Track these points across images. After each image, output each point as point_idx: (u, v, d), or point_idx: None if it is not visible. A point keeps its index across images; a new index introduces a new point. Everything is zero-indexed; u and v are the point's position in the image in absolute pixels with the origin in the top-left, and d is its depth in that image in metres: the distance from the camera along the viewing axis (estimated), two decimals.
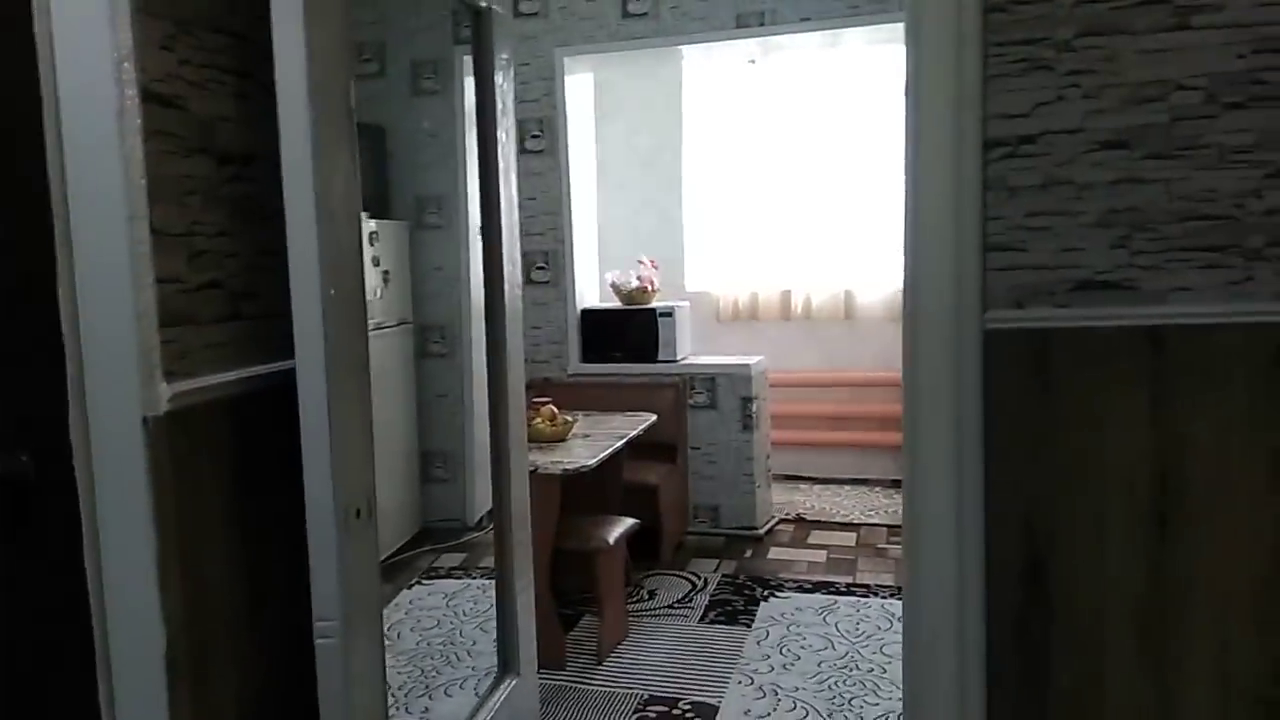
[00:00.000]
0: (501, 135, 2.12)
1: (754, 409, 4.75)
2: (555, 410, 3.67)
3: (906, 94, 1.79)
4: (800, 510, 5.22)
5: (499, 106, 2.10)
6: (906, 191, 1.80)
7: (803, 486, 5.72)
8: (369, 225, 4.46)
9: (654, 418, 4.13)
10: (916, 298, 1.80)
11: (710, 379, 4.78)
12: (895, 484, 5.65)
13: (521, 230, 4.87)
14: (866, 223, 5.76)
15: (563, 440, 3.60)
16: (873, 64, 5.58)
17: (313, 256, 1.38)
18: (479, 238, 2.42)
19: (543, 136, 4.87)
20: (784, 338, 5.97)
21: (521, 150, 4.83)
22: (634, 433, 3.82)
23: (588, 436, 3.71)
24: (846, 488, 5.69)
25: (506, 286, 2.21)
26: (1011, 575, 1.76)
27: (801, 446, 5.84)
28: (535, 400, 3.70)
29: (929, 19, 1.73)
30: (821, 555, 4.51)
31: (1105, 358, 1.69)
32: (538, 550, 2.96)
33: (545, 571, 3.24)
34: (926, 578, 1.78)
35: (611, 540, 3.45)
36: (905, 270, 1.83)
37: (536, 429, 3.51)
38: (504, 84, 2.13)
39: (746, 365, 4.78)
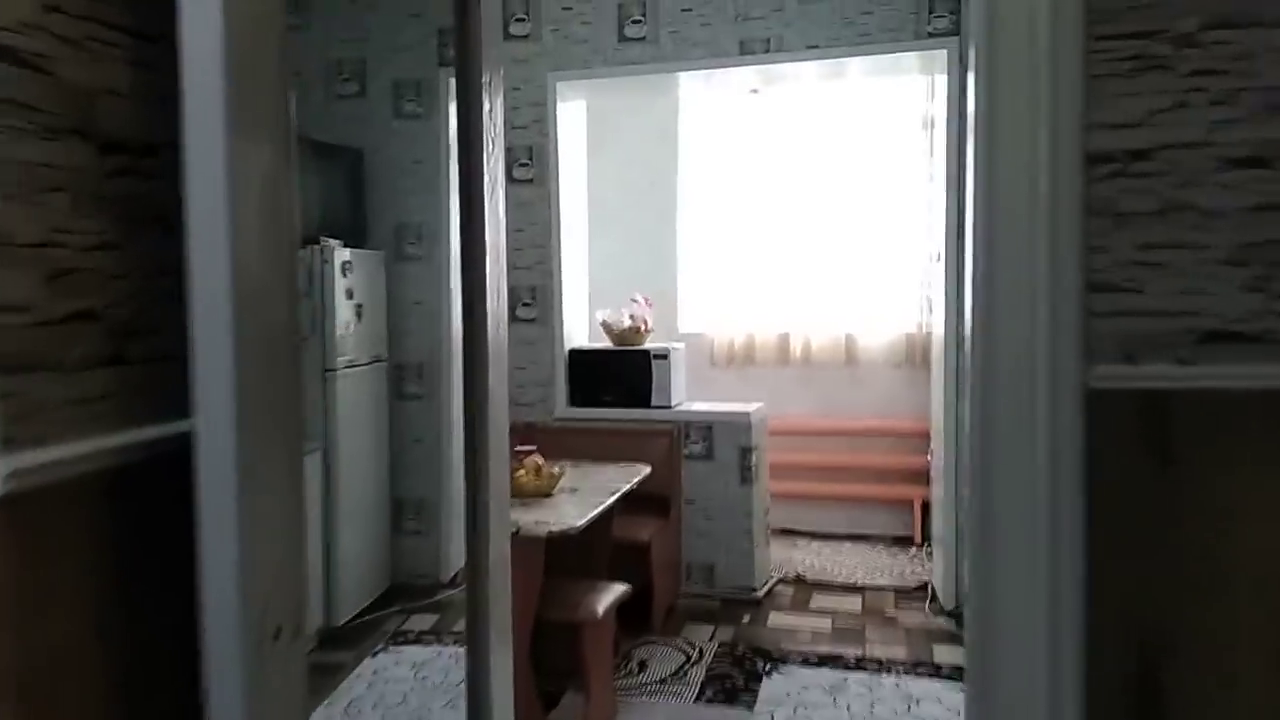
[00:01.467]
0: (489, 144, 1.78)
1: (753, 460, 4.40)
2: (540, 461, 3.31)
3: (976, 97, 1.47)
4: (799, 569, 4.86)
5: (486, 107, 1.77)
6: (976, 214, 1.47)
7: (800, 542, 5.37)
8: (343, 254, 4.13)
9: (648, 469, 3.78)
10: (991, 347, 1.45)
11: (707, 427, 4.43)
12: (898, 541, 5.32)
13: (507, 263, 4.53)
14: (870, 264, 5.56)
15: (548, 495, 3.23)
16: (879, 97, 5.37)
17: (223, 280, 1.01)
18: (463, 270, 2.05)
19: (532, 165, 4.58)
20: (781, 383, 5.67)
21: (510, 179, 4.52)
22: (627, 487, 3.47)
23: (575, 490, 3.35)
24: (846, 544, 5.34)
25: (490, 321, 1.86)
26: (1118, 700, 1.40)
27: (797, 499, 5.49)
28: (519, 449, 3.33)
29: (1007, 3, 1.40)
30: (826, 622, 4.13)
31: (1239, 428, 1.35)
32: (518, 620, 2.58)
33: (525, 644, 2.86)
34: (1006, 705, 1.41)
35: (600, 611, 3.07)
36: (973, 313, 1.50)
37: (520, 482, 3.15)
38: (492, 82, 1.80)
39: (746, 413, 4.44)
